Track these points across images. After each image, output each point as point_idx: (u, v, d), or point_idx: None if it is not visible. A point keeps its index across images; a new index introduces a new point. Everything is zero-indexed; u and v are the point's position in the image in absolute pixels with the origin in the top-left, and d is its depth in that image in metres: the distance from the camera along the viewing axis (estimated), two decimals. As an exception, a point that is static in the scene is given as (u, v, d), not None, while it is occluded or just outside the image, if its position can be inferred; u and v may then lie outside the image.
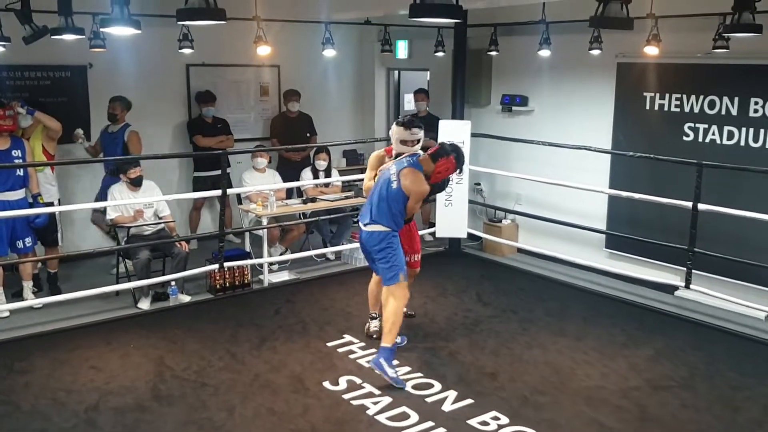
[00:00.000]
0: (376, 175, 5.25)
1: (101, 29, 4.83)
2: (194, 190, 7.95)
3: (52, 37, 4.76)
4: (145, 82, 7.88)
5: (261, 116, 8.99)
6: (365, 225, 5.00)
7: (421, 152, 5.13)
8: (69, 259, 7.03)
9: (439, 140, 5.04)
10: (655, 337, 5.68)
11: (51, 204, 6.46)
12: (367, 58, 9.76)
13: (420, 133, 5.21)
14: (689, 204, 5.97)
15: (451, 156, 4.93)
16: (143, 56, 7.54)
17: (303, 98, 8.58)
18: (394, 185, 4.85)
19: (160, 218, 6.61)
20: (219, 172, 6.72)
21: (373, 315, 5.61)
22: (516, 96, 7.90)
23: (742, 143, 6.13)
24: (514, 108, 7.94)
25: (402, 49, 9.27)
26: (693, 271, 6.09)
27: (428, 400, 4.63)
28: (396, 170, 4.90)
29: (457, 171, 5.07)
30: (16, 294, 6.30)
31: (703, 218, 5.97)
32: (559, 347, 5.51)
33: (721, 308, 6.18)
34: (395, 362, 4.89)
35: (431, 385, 4.80)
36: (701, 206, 5.90)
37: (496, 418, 4.40)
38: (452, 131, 7.07)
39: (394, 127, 5.26)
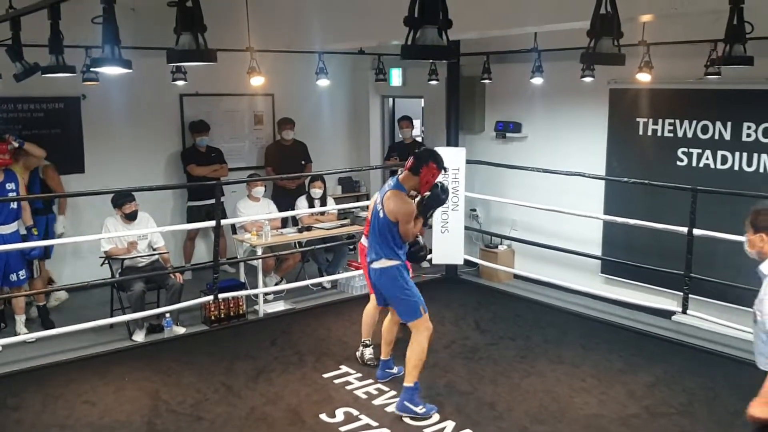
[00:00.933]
0: None
1: (92, 69, 4.84)
2: (188, 220, 7.94)
3: (43, 75, 4.77)
4: (138, 112, 7.90)
5: (255, 145, 9.00)
6: (371, 262, 4.84)
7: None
8: (63, 290, 7.00)
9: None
10: (653, 363, 5.65)
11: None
12: (361, 86, 9.80)
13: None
14: (684, 229, 5.97)
15: (430, 161, 4.73)
16: (137, 86, 7.56)
17: (297, 126, 8.60)
18: (381, 213, 4.73)
19: (154, 249, 6.58)
20: (213, 201, 6.71)
21: (367, 342, 5.58)
22: (510, 122, 7.93)
23: (736, 167, 6.16)
24: (508, 134, 7.97)
25: (396, 77, 9.32)
26: (690, 296, 6.08)
27: (426, 431, 4.58)
28: (380, 198, 4.82)
29: (443, 171, 4.79)
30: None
31: (699, 243, 5.97)
32: (558, 374, 5.47)
33: (718, 333, 6.15)
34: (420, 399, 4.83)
35: (428, 417, 4.76)
36: (696, 231, 5.90)
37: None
38: (447, 158, 7.07)
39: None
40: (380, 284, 4.85)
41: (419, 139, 9.33)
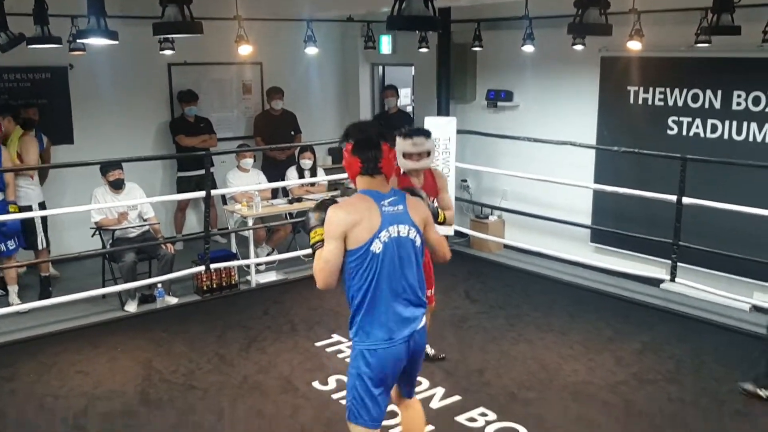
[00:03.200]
0: None
1: (78, 41, 4.77)
2: (178, 191, 7.92)
3: (29, 46, 4.71)
4: (126, 82, 7.83)
5: (244, 115, 8.95)
6: (417, 322, 3.15)
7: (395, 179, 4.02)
8: (54, 262, 6.99)
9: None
10: (641, 331, 5.72)
11: (29, 208, 6.40)
12: (350, 54, 9.72)
13: (427, 143, 4.34)
14: (674, 198, 6.01)
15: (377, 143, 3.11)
16: (124, 56, 7.46)
17: (286, 96, 8.54)
18: (417, 238, 3.13)
19: (145, 220, 6.57)
20: (203, 171, 6.68)
21: None
22: (501, 91, 7.90)
23: (726, 136, 6.17)
24: (499, 103, 7.94)
25: (386, 44, 9.24)
26: (678, 264, 6.14)
27: (416, 397, 4.62)
28: (401, 224, 3.06)
29: (388, 140, 3.16)
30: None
31: (688, 212, 6.01)
32: (546, 342, 5.53)
33: (706, 300, 6.23)
34: None
35: (419, 383, 4.77)
36: (686, 200, 5.94)
37: (483, 415, 4.42)
38: (438, 128, 7.07)
39: (397, 139, 4.30)
40: (423, 344, 3.28)
41: (409, 109, 9.30)
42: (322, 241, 3.00)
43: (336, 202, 3.11)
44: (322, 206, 3.07)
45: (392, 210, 3.03)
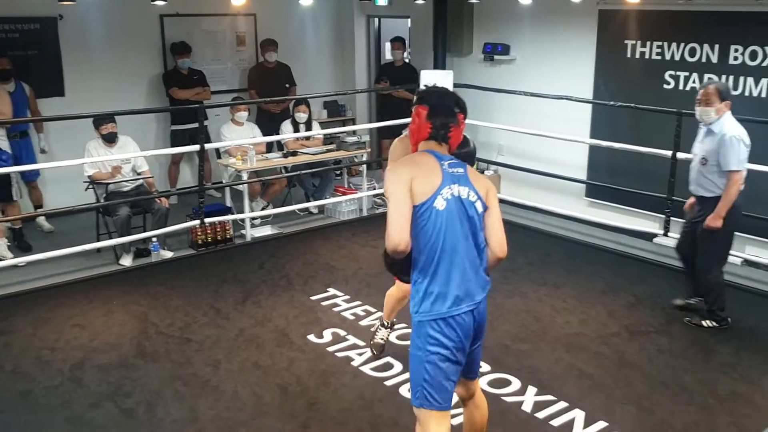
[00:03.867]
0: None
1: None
2: (172, 144, 7.87)
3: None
4: (117, 34, 7.71)
5: (238, 67, 8.84)
6: (482, 295, 2.92)
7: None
8: (48, 216, 6.99)
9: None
10: (633, 284, 5.77)
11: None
12: (346, 5, 9.57)
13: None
14: (669, 153, 6.00)
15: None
16: (115, 6, 7.35)
17: (281, 48, 8.43)
18: (479, 205, 2.89)
19: (139, 174, 6.53)
20: (197, 125, 6.63)
21: (386, 323, 4.58)
22: (498, 44, 7.81)
23: (722, 90, 6.13)
24: (496, 57, 7.86)
25: (381, -4, 9.08)
26: (671, 218, 6.17)
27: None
28: (461, 185, 2.85)
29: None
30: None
31: (682, 167, 6.00)
32: (540, 295, 5.58)
33: (698, 255, 6.27)
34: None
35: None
36: (680, 155, 5.94)
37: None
38: (434, 81, 6.99)
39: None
40: (484, 322, 3.02)
41: (406, 61, 9.18)
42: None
43: None
44: None
45: (453, 171, 2.84)
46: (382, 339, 4.60)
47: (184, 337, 4.89)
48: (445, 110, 2.91)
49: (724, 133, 4.61)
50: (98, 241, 6.36)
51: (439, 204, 2.77)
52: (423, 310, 2.83)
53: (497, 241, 2.92)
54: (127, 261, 6.26)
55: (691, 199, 5.00)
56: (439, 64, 7.72)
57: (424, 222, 2.77)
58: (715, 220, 4.68)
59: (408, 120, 3.09)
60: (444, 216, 2.77)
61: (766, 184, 5.85)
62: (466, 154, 3.04)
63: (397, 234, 2.69)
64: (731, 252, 5.97)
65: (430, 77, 7.13)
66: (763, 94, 5.88)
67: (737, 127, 4.66)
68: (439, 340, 2.81)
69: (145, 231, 6.46)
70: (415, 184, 2.75)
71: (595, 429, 3.85)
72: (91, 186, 6.39)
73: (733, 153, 4.55)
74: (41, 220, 7.04)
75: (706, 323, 5.01)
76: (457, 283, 2.81)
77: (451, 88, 7.10)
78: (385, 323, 4.57)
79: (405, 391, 4.16)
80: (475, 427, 3.25)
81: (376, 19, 9.83)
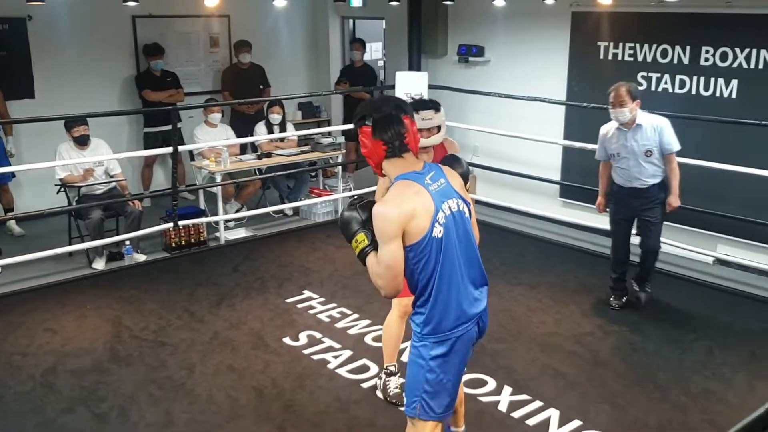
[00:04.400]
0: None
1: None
2: (145, 146, 7.80)
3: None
4: (89, 35, 7.62)
5: (211, 68, 8.78)
6: (484, 304, 2.94)
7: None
8: (19, 219, 6.88)
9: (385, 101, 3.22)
10: (607, 284, 5.81)
11: None
12: (320, 6, 9.55)
13: (436, 117, 3.70)
14: (641, 153, 6.06)
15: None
16: (86, 7, 7.26)
17: (255, 49, 8.39)
18: (466, 210, 2.87)
19: (111, 177, 6.46)
20: (170, 127, 6.57)
21: (392, 368, 4.15)
22: (472, 46, 7.84)
23: (694, 92, 6.22)
24: (470, 58, 7.89)
25: (356, -3, 9.09)
26: (644, 218, 6.22)
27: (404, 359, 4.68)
28: (449, 198, 2.76)
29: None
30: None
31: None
32: (515, 295, 5.62)
33: (669, 253, 6.34)
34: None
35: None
36: (653, 155, 6.00)
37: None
38: (409, 83, 7.02)
39: None
40: (485, 330, 3.04)
41: (380, 63, 9.22)
42: (370, 245, 2.67)
43: (368, 200, 2.76)
44: (359, 207, 2.72)
45: (437, 186, 2.71)
46: (397, 387, 4.09)
47: (158, 341, 4.84)
48: (388, 120, 2.69)
49: (658, 122, 5.04)
50: (70, 244, 6.27)
51: (437, 232, 2.66)
52: (424, 332, 2.77)
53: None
54: (99, 265, 6.18)
55: (600, 199, 5.42)
56: (413, 66, 7.74)
57: (422, 258, 2.67)
58: (677, 199, 5.10)
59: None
60: (442, 243, 2.68)
61: (737, 185, 5.95)
62: (460, 175, 2.96)
63: (391, 290, 2.66)
64: (702, 251, 6.11)
65: (405, 78, 7.15)
66: (734, 95, 5.97)
67: (656, 116, 5.17)
68: (443, 355, 2.76)
69: (118, 234, 6.39)
70: (410, 224, 2.61)
71: (570, 428, 3.88)
72: (62, 189, 6.31)
73: (673, 136, 5.02)
74: (12, 223, 6.93)
75: (644, 295, 5.42)
76: (455, 307, 2.75)
77: (426, 89, 7.18)
78: (393, 369, 4.13)
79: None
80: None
81: (351, 20, 9.83)
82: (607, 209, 5.44)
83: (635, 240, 5.42)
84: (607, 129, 5.26)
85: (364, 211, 2.70)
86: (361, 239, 2.68)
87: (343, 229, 2.74)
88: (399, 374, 4.14)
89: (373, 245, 2.66)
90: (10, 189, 6.96)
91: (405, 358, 3.95)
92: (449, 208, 2.71)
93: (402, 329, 4.03)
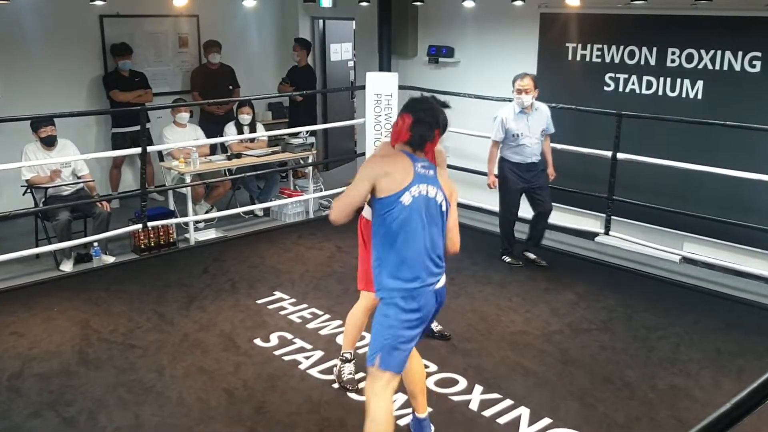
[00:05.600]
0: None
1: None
2: (113, 147, 7.71)
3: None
4: (55, 34, 7.51)
5: (180, 69, 8.70)
6: (438, 281, 3.21)
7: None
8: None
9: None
10: (575, 282, 5.89)
11: None
12: (290, 6, 9.51)
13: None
14: (609, 153, 6.15)
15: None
16: (51, 5, 7.15)
17: (224, 49, 8.34)
18: (443, 204, 3.21)
19: (79, 178, 6.37)
20: (139, 127, 6.50)
21: (347, 356, 4.27)
22: (442, 47, 7.88)
23: (660, 93, 6.32)
24: (440, 59, 7.93)
25: (326, -3, 9.07)
26: (612, 217, 6.33)
27: (359, 351, 4.67)
28: (430, 185, 3.14)
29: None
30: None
31: (622, 167, 6.18)
32: (485, 295, 5.65)
33: (639, 253, 6.44)
34: None
35: (362, 337, 4.80)
36: (620, 155, 6.10)
37: (425, 367, 4.48)
38: (380, 83, 7.02)
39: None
40: (441, 306, 3.33)
41: (351, 63, 9.21)
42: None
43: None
44: None
45: (425, 172, 3.14)
46: (350, 374, 4.23)
47: (127, 343, 4.79)
48: (427, 127, 3.15)
49: (545, 108, 5.97)
50: (37, 246, 6.17)
51: (406, 199, 3.06)
52: (387, 288, 3.14)
53: (452, 238, 3.33)
54: (67, 267, 6.09)
55: (492, 177, 6.15)
56: (384, 66, 7.75)
57: (387, 214, 3.07)
58: (554, 171, 6.11)
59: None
60: (408, 209, 3.06)
61: (703, 184, 6.06)
62: None
63: (341, 215, 3.10)
64: (669, 250, 6.21)
65: (375, 79, 7.15)
66: (699, 96, 6.08)
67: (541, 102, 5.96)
68: (405, 308, 3.12)
69: (86, 236, 6.30)
70: (384, 180, 3.05)
71: (540, 425, 3.91)
72: (29, 190, 6.21)
73: (550, 119, 5.97)
74: None
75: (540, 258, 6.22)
76: (415, 268, 3.10)
77: (396, 90, 7.20)
78: (348, 356, 4.25)
79: (353, 393, 4.16)
80: (414, 371, 3.58)
81: (321, 21, 9.80)
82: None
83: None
84: (506, 113, 5.88)
85: None
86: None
87: None
88: (354, 362, 4.28)
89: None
90: None
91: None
92: (426, 191, 3.11)
93: (365, 321, 4.12)
